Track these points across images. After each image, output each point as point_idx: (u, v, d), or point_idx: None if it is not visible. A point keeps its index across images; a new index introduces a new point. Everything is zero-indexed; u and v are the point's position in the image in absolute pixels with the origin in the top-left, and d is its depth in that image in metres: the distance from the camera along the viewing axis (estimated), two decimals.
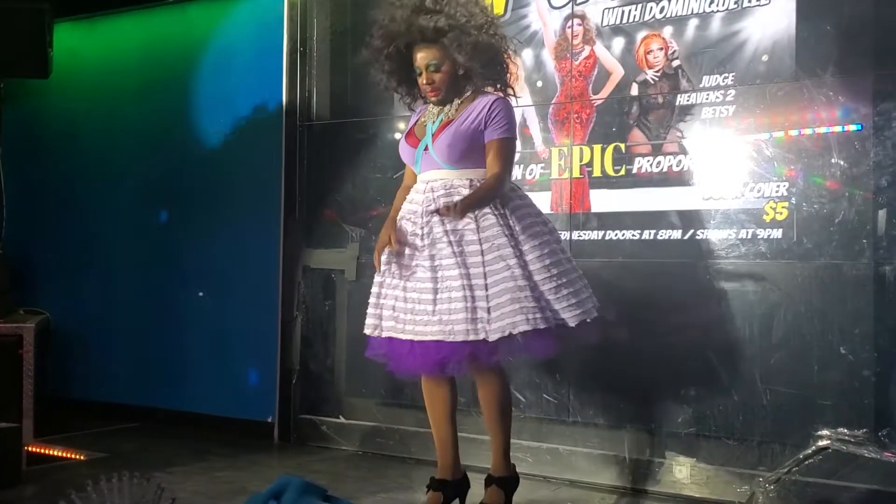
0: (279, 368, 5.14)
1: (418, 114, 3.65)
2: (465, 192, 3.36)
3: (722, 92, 4.05)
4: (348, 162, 5.10)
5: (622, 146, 4.28)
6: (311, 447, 4.99)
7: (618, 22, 4.30)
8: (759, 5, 3.96)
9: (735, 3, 4.02)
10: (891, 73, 3.70)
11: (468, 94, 3.49)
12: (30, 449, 4.78)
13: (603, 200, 4.31)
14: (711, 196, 4.06)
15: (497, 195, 3.37)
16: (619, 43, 4.30)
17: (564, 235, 4.35)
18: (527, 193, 3.66)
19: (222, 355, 5.39)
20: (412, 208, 3.48)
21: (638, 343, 4.16)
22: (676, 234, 4.12)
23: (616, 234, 4.26)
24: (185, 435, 5.13)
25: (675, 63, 4.16)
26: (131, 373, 5.73)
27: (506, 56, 3.54)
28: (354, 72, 5.12)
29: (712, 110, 4.07)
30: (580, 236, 4.35)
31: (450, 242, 3.34)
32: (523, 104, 4.53)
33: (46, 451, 4.90)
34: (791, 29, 3.90)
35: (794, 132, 3.91)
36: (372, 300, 3.54)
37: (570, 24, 4.42)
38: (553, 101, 4.47)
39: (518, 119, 4.50)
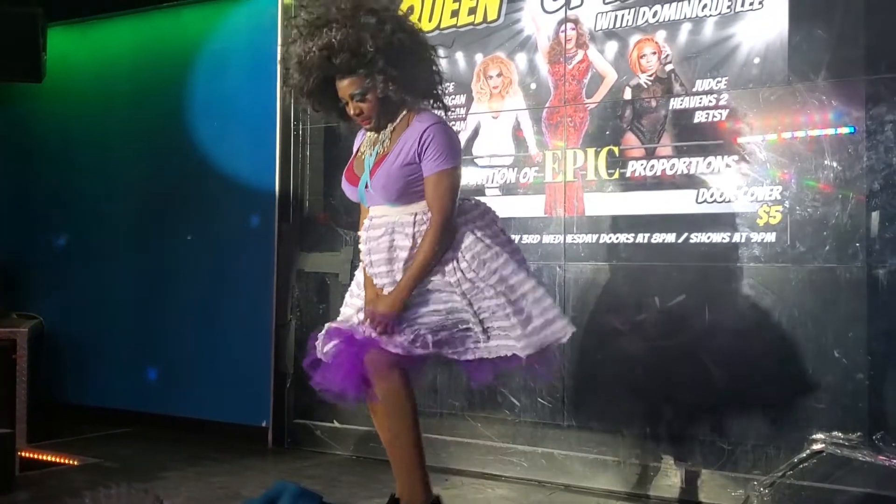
0: (273, 372, 5.14)
1: (359, 140, 3.41)
2: (409, 229, 3.15)
3: (715, 96, 4.05)
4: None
5: (616, 150, 4.28)
6: (306, 452, 4.98)
7: (611, 26, 4.30)
8: (751, 9, 3.97)
9: (728, 7, 4.02)
10: (883, 77, 3.71)
11: (402, 116, 3.21)
12: (23, 454, 4.78)
13: (597, 204, 4.31)
14: (705, 200, 4.06)
15: (440, 249, 3.11)
16: (612, 47, 4.30)
17: (558, 239, 4.36)
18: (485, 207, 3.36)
19: (216, 359, 5.38)
20: (362, 249, 3.29)
21: (632, 347, 4.16)
22: (670, 238, 4.12)
23: (610, 238, 4.26)
24: (179, 440, 5.13)
25: (669, 67, 4.16)
26: (125, 377, 5.72)
27: (433, 66, 3.25)
28: None
29: (705, 114, 4.07)
30: (574, 240, 4.35)
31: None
32: (517, 108, 4.53)
33: (40, 457, 4.89)
34: (783, 33, 3.91)
35: (787, 135, 3.92)
36: None
37: (563, 28, 4.42)
38: (547, 105, 4.47)
39: (512, 122, 4.53)
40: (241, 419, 5.21)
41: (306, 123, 5.19)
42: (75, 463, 4.77)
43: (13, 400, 5.23)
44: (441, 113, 3.30)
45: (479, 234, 3.18)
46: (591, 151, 4.33)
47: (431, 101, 3.29)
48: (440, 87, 3.29)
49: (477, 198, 3.43)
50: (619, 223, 4.24)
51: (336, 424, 5.00)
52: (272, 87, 5.17)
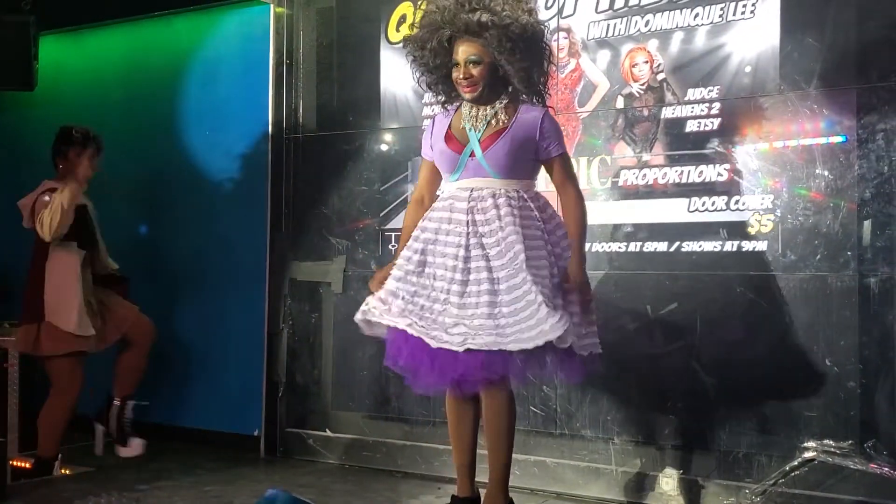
0: (265, 381, 5.13)
1: (444, 117, 3.54)
2: (514, 202, 3.33)
3: (707, 105, 4.06)
4: (334, 174, 5.10)
5: (608, 159, 4.29)
6: (298, 461, 4.97)
7: (603, 35, 4.31)
8: (742, 19, 3.98)
9: (719, 16, 4.04)
10: (874, 86, 3.73)
11: (506, 100, 3.43)
12: (15, 464, 4.75)
13: (589, 212, 4.30)
14: (697, 208, 4.07)
15: (586, 217, 3.51)
16: (604, 56, 4.32)
17: None
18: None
19: (208, 368, 5.37)
20: (456, 217, 3.37)
21: (623, 355, 4.16)
22: (662, 247, 4.13)
23: (602, 246, 4.27)
24: (171, 449, 5.11)
25: (661, 76, 4.18)
26: None
27: (549, 67, 3.51)
28: (340, 84, 5.12)
29: (697, 123, 4.09)
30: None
31: (486, 256, 3.30)
32: None
33: (31, 466, 4.86)
34: (775, 42, 3.93)
35: (778, 144, 3.93)
36: (391, 287, 3.41)
37: (555, 37, 4.42)
38: None
39: None
40: (233, 428, 5.20)
41: (298, 132, 5.18)
42: (67, 472, 4.75)
43: (5, 409, 5.19)
44: None
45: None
46: (583, 160, 4.34)
47: (535, 98, 3.50)
48: (546, 89, 3.55)
49: None
50: (612, 232, 4.25)
51: (328, 433, 4.99)
52: (264, 96, 5.18)
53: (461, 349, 3.17)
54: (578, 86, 4.38)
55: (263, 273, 5.16)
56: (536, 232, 3.34)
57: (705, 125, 4.06)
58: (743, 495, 3.81)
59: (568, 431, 4.34)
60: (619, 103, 4.28)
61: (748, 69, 3.99)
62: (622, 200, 4.24)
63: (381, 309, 3.40)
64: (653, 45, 4.20)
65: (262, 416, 5.13)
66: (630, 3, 4.25)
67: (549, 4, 4.44)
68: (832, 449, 3.71)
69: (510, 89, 3.43)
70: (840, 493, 3.67)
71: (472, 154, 3.38)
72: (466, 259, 3.31)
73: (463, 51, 3.35)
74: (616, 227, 4.25)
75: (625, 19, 4.26)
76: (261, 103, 5.19)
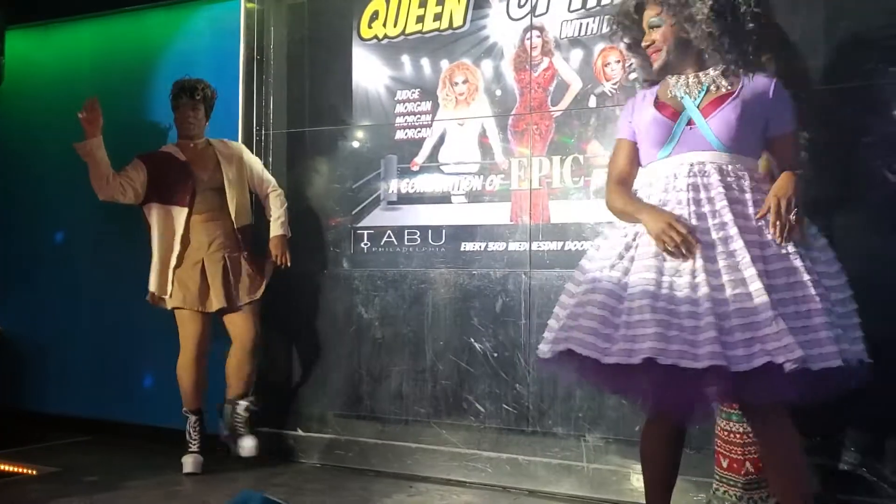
0: None
1: (649, 92, 3.14)
2: (746, 182, 2.90)
3: None
4: (306, 171, 5.08)
5: (581, 158, 4.31)
6: (271, 460, 4.95)
7: (576, 34, 4.32)
8: None
9: None
10: (867, 85, 3.72)
11: (722, 67, 3.00)
12: None
13: (562, 211, 4.33)
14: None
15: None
16: (577, 55, 4.33)
17: (524, 246, 4.37)
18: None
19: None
20: (674, 197, 2.95)
21: None
22: None
23: (575, 245, 4.28)
24: (142, 448, 5.08)
25: (633, 76, 4.19)
26: (86, 385, 5.65)
27: (751, 33, 3.02)
28: (312, 80, 5.10)
29: None
30: (539, 247, 4.36)
31: (760, 249, 2.83)
32: (483, 115, 4.54)
33: None
34: None
35: None
36: (643, 315, 2.81)
37: (528, 35, 4.44)
38: (512, 113, 4.48)
39: (478, 129, 4.55)
40: (205, 427, 5.16)
41: (269, 128, 5.16)
42: (34, 473, 4.71)
43: None
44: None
45: None
46: (556, 159, 4.35)
47: (742, 69, 3.04)
48: (749, 57, 3.05)
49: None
50: (585, 230, 4.26)
51: (300, 433, 4.98)
52: (234, 92, 5.14)
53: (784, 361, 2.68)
54: (551, 85, 4.38)
55: None
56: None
57: None
58: (713, 492, 3.83)
59: (540, 429, 4.35)
60: (592, 102, 4.29)
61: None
62: (595, 199, 4.24)
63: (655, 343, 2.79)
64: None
65: None
66: (603, 3, 4.27)
67: (521, 3, 4.44)
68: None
69: (716, 55, 3.02)
70: (820, 489, 3.70)
71: (689, 123, 2.97)
72: (717, 244, 2.84)
73: (647, 15, 3.09)
74: (589, 225, 4.25)
75: (597, 18, 4.28)
76: (231, 99, 5.16)
